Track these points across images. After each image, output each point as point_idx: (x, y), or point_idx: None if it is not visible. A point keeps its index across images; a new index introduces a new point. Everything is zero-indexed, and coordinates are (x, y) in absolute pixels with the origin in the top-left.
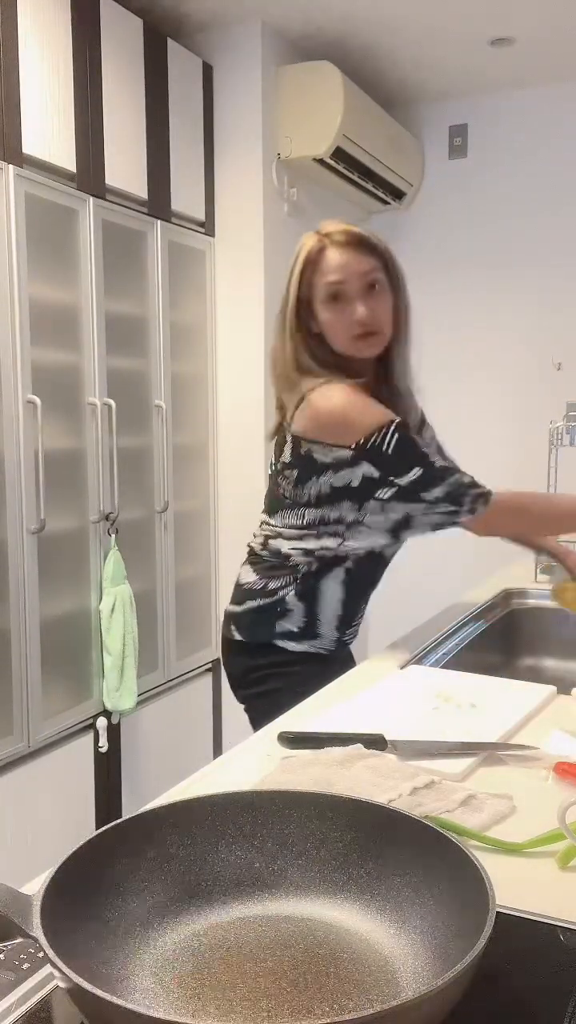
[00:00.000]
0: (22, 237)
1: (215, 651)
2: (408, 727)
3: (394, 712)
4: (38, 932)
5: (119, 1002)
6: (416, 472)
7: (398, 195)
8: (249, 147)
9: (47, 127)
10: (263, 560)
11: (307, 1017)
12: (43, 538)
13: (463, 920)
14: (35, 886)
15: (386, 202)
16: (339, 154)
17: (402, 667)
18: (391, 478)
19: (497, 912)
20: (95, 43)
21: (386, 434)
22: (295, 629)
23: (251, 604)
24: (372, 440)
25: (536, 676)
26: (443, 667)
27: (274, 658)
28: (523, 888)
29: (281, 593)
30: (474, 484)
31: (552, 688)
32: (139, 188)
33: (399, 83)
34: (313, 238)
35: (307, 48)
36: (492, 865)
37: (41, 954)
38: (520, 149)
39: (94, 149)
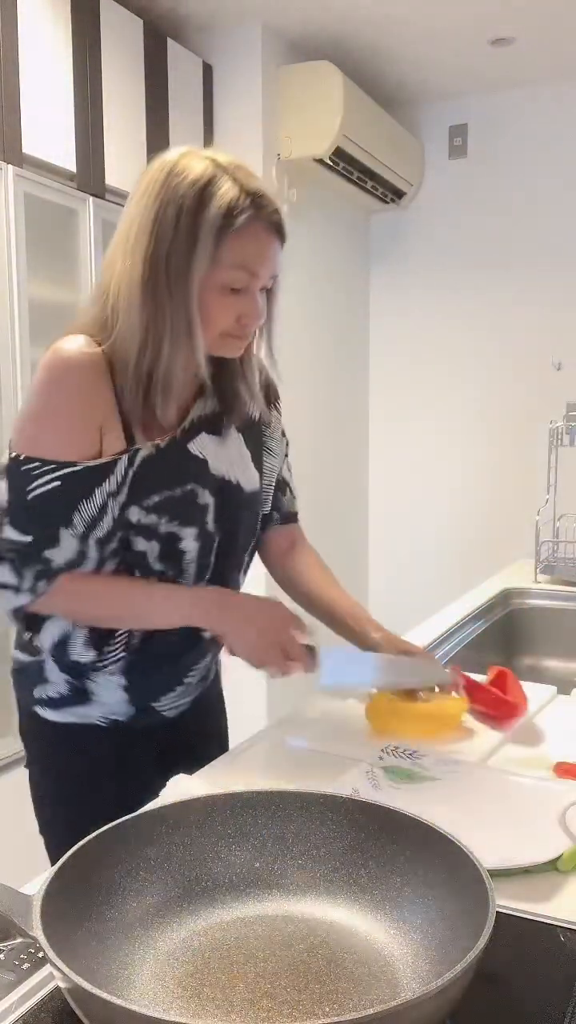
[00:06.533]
0: (21, 237)
1: None
2: None
3: None
4: (38, 932)
5: (119, 1002)
6: None
7: (398, 195)
8: (249, 147)
9: (47, 127)
10: None
11: (307, 1017)
12: None
13: (463, 920)
14: (35, 886)
15: (386, 202)
16: (339, 154)
17: None
18: None
19: (497, 912)
20: (95, 43)
21: None
22: None
23: None
24: None
25: (536, 676)
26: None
27: None
28: (523, 888)
29: None
30: None
31: (552, 688)
32: None
33: (399, 83)
34: (235, 190)
35: (307, 48)
36: None
37: (41, 954)
38: (520, 149)
39: (94, 149)
